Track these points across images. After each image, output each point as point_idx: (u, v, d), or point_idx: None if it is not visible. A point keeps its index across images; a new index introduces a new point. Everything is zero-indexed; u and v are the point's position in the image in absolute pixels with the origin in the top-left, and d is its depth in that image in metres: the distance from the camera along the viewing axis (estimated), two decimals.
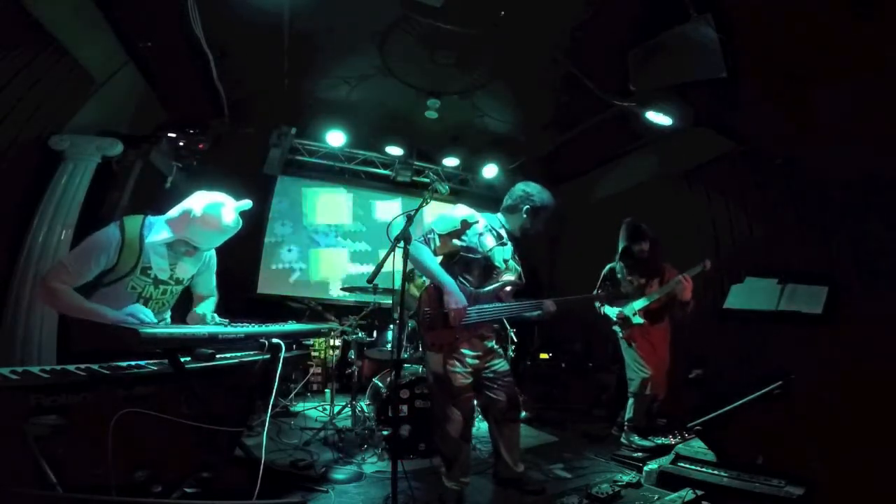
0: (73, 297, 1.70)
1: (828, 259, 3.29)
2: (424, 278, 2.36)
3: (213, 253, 2.19)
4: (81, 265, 1.75)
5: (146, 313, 1.76)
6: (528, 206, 2.42)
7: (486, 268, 2.37)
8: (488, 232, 2.38)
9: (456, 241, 2.31)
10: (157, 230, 1.86)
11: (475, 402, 2.43)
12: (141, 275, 1.87)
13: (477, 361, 2.32)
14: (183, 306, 2.20)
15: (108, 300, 1.79)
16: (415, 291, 2.43)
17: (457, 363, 2.25)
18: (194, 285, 2.21)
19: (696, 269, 3.03)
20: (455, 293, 2.20)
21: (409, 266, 2.04)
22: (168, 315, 2.12)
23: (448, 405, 2.25)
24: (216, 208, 1.86)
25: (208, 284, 2.25)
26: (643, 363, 3.16)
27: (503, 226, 2.49)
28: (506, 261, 2.42)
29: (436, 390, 2.33)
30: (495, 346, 2.47)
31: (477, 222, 2.35)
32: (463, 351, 2.28)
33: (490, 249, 2.35)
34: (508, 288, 2.40)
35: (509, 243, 2.47)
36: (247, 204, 1.95)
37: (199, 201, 1.86)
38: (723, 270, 3.19)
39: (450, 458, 2.27)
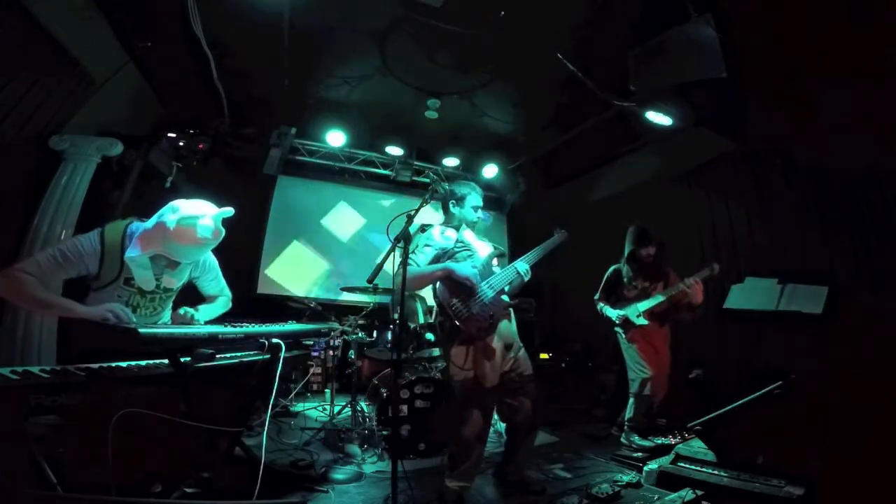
0: (37, 289, 1.61)
1: (828, 259, 3.28)
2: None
3: (209, 255, 2.12)
4: (52, 268, 1.66)
5: (126, 312, 1.65)
6: (452, 202, 2.55)
7: (465, 252, 2.42)
8: (446, 228, 2.47)
9: (428, 250, 2.36)
10: (135, 245, 1.76)
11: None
12: (124, 285, 1.82)
13: (505, 356, 2.33)
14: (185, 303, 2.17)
15: (98, 304, 1.73)
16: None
17: (486, 362, 2.24)
18: (200, 288, 2.18)
19: (704, 272, 3.03)
20: (458, 267, 2.25)
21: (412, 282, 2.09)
22: (167, 316, 2.07)
23: (471, 405, 2.24)
24: (190, 221, 1.76)
25: (215, 286, 2.21)
26: (644, 364, 3.16)
27: (450, 225, 2.55)
28: (476, 241, 2.50)
29: (459, 388, 2.28)
30: (519, 342, 2.46)
31: (433, 227, 2.45)
32: (493, 345, 2.28)
33: (457, 240, 2.44)
34: (496, 260, 2.47)
35: (468, 228, 2.55)
36: (227, 212, 1.86)
37: (173, 214, 1.77)
38: (723, 270, 3.20)
39: (458, 459, 2.24)
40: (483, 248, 2.48)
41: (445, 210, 2.60)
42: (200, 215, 1.79)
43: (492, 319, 2.27)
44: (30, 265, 1.64)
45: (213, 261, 2.17)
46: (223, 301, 2.23)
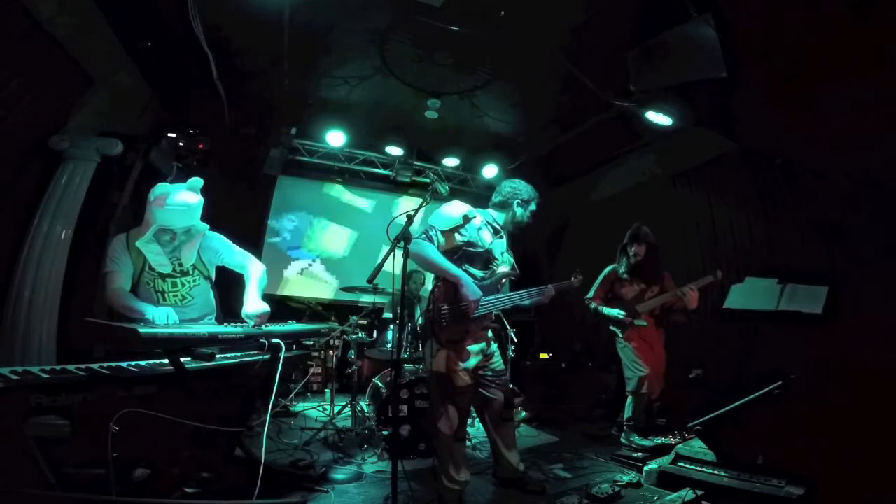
0: (127, 298, 1.99)
1: (828, 259, 3.28)
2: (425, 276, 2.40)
3: (204, 230, 2.21)
4: (117, 260, 2.04)
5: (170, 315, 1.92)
6: (517, 201, 2.51)
7: (487, 261, 2.40)
8: (485, 227, 2.43)
9: (458, 237, 2.31)
10: (138, 232, 2.09)
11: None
12: (148, 270, 2.11)
13: (479, 359, 2.35)
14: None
15: (138, 297, 2.06)
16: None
17: (460, 362, 2.26)
18: (229, 266, 2.34)
19: (706, 279, 3.04)
20: (471, 285, 2.20)
21: (412, 265, 2.07)
22: (199, 303, 2.22)
23: (446, 403, 2.25)
24: (161, 188, 2.06)
25: (233, 259, 2.32)
26: (641, 362, 3.18)
27: (495, 220, 2.54)
28: (502, 253, 2.48)
29: (436, 388, 2.31)
30: (494, 345, 2.49)
31: (475, 217, 2.39)
32: (469, 348, 2.29)
33: (490, 243, 2.41)
34: (504, 280, 2.46)
35: (505, 237, 2.54)
36: (196, 181, 2.13)
37: (151, 194, 2.08)
38: (723, 270, 3.21)
39: (445, 459, 2.25)
40: (500, 264, 2.45)
41: (506, 206, 2.53)
42: (171, 185, 2.09)
43: (466, 335, 2.27)
44: (114, 277, 2.02)
45: (218, 239, 2.31)
46: (256, 273, 2.27)
